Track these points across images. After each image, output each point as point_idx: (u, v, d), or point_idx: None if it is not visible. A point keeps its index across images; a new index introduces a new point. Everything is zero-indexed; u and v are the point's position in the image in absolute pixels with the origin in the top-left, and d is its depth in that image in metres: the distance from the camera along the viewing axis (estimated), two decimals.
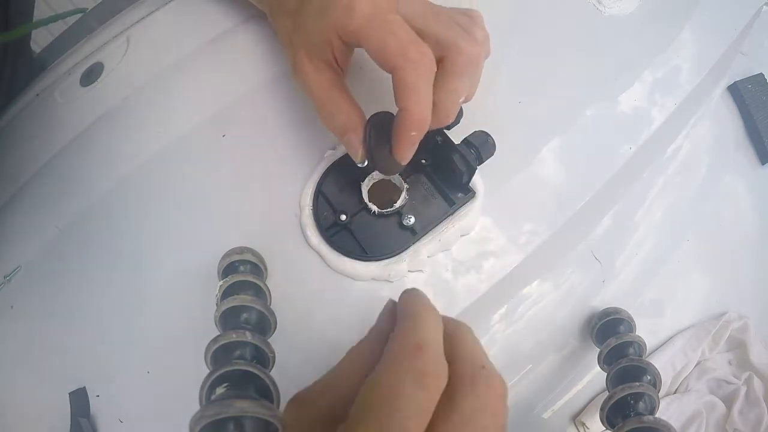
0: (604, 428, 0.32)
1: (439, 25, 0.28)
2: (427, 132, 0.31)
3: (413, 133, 0.25)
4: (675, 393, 0.41)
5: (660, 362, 0.40)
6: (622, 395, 0.31)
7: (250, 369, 0.24)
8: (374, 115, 0.29)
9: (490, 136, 0.31)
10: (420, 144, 0.30)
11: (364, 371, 0.21)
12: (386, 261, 0.31)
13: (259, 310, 0.27)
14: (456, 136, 0.31)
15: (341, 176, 0.33)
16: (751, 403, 0.41)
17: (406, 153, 0.27)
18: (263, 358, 0.26)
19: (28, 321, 0.35)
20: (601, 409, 0.31)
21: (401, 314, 0.22)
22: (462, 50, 0.27)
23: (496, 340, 0.35)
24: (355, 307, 0.31)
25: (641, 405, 0.30)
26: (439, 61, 0.27)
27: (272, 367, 0.27)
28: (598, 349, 0.35)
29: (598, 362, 0.35)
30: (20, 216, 0.38)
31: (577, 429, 0.38)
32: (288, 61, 0.32)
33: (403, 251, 0.32)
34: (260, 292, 0.29)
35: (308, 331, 0.31)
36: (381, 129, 0.28)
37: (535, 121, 0.36)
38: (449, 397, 0.18)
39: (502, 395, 0.19)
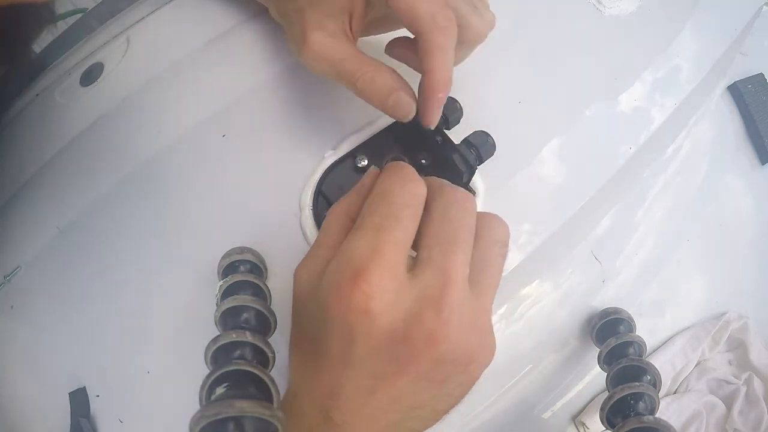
0: (604, 428, 0.32)
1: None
2: (426, 132, 0.31)
3: (440, 95, 0.27)
4: (675, 393, 0.41)
5: (660, 362, 0.40)
6: (622, 395, 0.31)
7: (250, 369, 0.24)
8: None
9: (490, 136, 0.31)
10: (420, 144, 0.31)
11: (345, 213, 0.25)
12: None
13: (259, 310, 0.27)
14: (456, 136, 0.31)
15: (341, 176, 0.33)
16: (751, 403, 0.41)
17: (434, 115, 0.28)
18: (263, 358, 0.26)
19: (28, 321, 0.35)
20: (601, 409, 0.31)
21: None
22: (471, 26, 0.28)
23: (496, 339, 0.35)
24: None
25: (641, 405, 0.30)
26: None
27: (272, 367, 0.27)
28: (598, 349, 0.35)
29: (598, 362, 0.35)
30: (20, 216, 0.38)
31: (577, 429, 0.38)
32: (295, 42, 0.30)
33: None
34: (260, 292, 0.29)
35: None
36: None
37: (535, 121, 0.36)
38: (428, 207, 0.23)
39: (468, 197, 0.24)
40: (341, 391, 0.22)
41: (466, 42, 0.29)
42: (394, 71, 0.28)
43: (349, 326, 0.21)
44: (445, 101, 0.27)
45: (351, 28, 0.29)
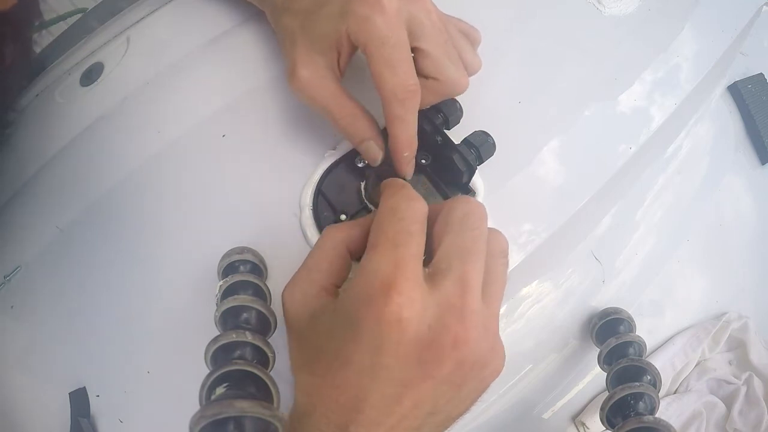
0: (604, 428, 0.32)
1: (439, 47, 0.29)
2: (426, 132, 0.31)
3: (405, 154, 0.29)
4: (675, 393, 0.41)
5: (660, 362, 0.40)
6: (622, 395, 0.31)
7: (250, 369, 0.25)
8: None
9: (490, 136, 0.31)
10: (420, 144, 0.31)
11: (343, 241, 0.25)
12: None
13: (259, 310, 0.27)
14: (456, 136, 0.31)
15: (341, 176, 0.33)
16: (751, 403, 0.41)
17: (405, 170, 0.30)
18: (263, 358, 0.26)
19: (28, 321, 0.35)
20: (601, 409, 0.31)
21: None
22: (448, 81, 0.30)
23: None
24: None
25: (641, 405, 0.30)
26: (426, 77, 0.30)
27: (272, 367, 0.27)
28: (598, 349, 0.35)
29: (598, 362, 0.35)
30: (20, 216, 0.38)
31: (577, 429, 0.38)
32: (286, 65, 0.31)
33: None
34: (260, 292, 0.29)
35: None
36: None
37: (535, 121, 0.36)
38: (445, 220, 0.24)
39: (482, 206, 0.25)
40: (365, 403, 0.22)
41: (444, 95, 0.31)
42: (368, 118, 0.30)
43: (381, 337, 0.22)
44: (412, 157, 0.30)
45: (339, 65, 0.30)
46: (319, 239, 0.26)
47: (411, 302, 0.22)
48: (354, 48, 0.29)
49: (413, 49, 0.29)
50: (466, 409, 0.25)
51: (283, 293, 0.25)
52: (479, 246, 0.24)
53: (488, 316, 0.24)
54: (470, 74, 0.31)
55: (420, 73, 0.29)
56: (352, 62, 0.31)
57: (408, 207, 0.24)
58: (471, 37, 0.33)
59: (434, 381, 0.22)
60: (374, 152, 0.30)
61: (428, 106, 0.31)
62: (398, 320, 0.21)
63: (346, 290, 0.24)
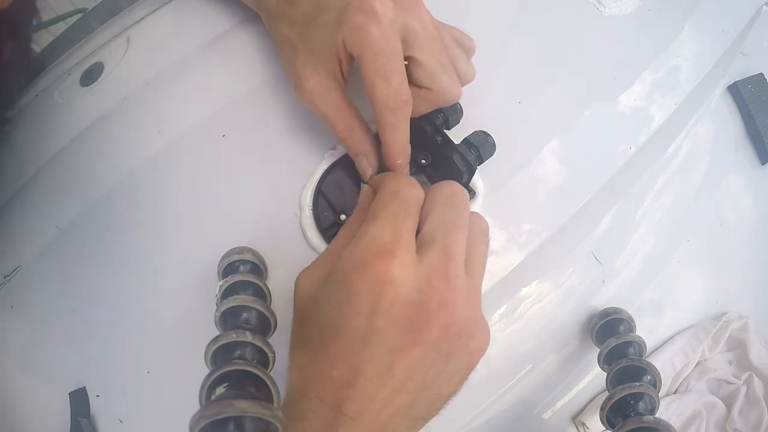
0: (604, 428, 0.32)
1: (432, 57, 0.29)
2: (426, 132, 0.31)
3: (399, 161, 0.30)
4: (675, 393, 0.41)
5: (660, 362, 0.40)
6: (622, 395, 0.31)
7: (250, 369, 0.24)
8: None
9: (490, 136, 0.31)
10: (420, 144, 0.31)
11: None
12: None
13: (259, 310, 0.27)
14: (456, 136, 0.31)
15: (341, 176, 0.33)
16: (751, 403, 0.41)
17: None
18: (263, 358, 0.26)
19: (28, 321, 0.35)
20: (601, 409, 0.31)
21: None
22: (442, 90, 0.30)
23: (496, 339, 0.35)
24: None
25: (641, 405, 0.30)
26: (419, 86, 0.30)
27: (272, 367, 0.27)
28: (598, 349, 0.35)
29: (598, 362, 0.35)
30: (20, 216, 0.38)
31: (577, 429, 0.38)
32: (289, 73, 0.31)
33: None
34: (260, 292, 0.29)
35: None
36: None
37: (535, 121, 0.36)
38: (431, 200, 0.27)
39: (465, 191, 0.28)
40: (359, 375, 0.23)
41: (436, 104, 0.31)
42: (365, 132, 0.30)
43: (375, 297, 0.23)
44: (405, 164, 0.31)
45: (342, 73, 0.30)
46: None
47: (404, 265, 0.23)
48: (352, 56, 0.29)
49: (407, 58, 0.29)
50: (455, 389, 0.26)
51: (297, 276, 0.27)
52: (462, 222, 0.26)
53: (471, 287, 0.25)
54: (463, 84, 0.31)
55: (413, 82, 0.30)
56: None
57: (408, 191, 0.27)
58: (465, 46, 0.33)
59: (423, 347, 0.23)
60: (364, 167, 0.31)
61: (421, 115, 0.31)
62: (392, 280, 0.23)
63: (341, 257, 0.25)
